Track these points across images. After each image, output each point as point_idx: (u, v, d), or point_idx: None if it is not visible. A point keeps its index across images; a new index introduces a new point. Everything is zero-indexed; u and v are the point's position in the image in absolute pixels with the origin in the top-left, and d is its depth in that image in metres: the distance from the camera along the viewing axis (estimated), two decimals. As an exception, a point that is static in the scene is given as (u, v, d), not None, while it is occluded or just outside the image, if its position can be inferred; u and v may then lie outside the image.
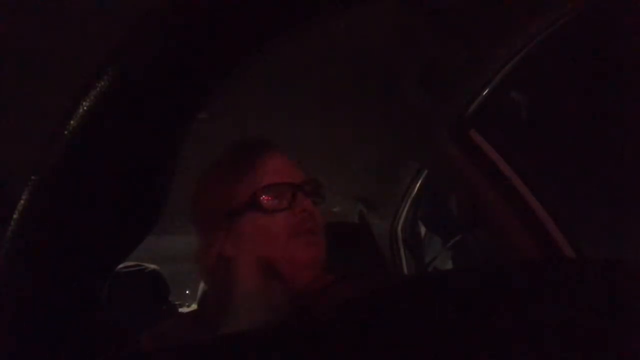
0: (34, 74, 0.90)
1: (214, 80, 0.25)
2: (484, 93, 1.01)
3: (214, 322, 0.65)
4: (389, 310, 0.26)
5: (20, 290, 0.24)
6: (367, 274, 1.07)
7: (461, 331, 0.24)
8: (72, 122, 0.22)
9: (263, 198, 0.66)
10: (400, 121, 1.24)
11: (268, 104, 1.17)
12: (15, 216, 0.23)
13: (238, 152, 0.74)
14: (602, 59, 1.09)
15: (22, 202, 0.23)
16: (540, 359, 0.23)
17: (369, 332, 0.24)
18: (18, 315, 0.25)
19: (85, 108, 0.22)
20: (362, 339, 0.24)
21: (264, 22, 0.24)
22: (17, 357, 0.24)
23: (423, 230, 1.84)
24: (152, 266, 1.66)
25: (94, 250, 0.26)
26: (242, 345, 0.25)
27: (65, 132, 0.22)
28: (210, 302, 0.77)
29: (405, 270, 1.76)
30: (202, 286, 1.74)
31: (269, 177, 0.68)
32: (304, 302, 0.62)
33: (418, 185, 1.52)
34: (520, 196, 0.98)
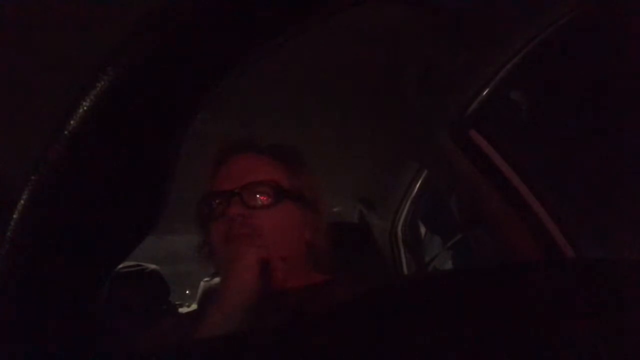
0: (33, 74, 0.90)
1: (214, 80, 0.25)
2: (484, 93, 1.01)
3: None
4: (387, 310, 0.26)
5: (20, 291, 0.24)
6: (365, 274, 1.07)
7: (460, 331, 0.24)
8: (72, 122, 0.22)
9: (206, 207, 0.70)
10: (400, 121, 1.24)
11: (268, 103, 1.17)
12: (15, 216, 0.23)
13: (213, 157, 0.76)
14: (602, 58, 1.09)
15: (22, 202, 0.23)
16: (539, 359, 0.23)
17: (365, 333, 0.24)
18: (18, 316, 0.25)
19: (85, 108, 0.22)
20: (358, 339, 0.24)
21: (265, 21, 0.24)
22: (16, 358, 0.24)
23: (423, 230, 1.84)
24: (152, 266, 1.66)
25: (94, 250, 0.26)
26: (237, 345, 0.25)
27: (65, 132, 0.22)
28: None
29: (405, 270, 1.76)
30: (202, 286, 1.74)
31: (215, 185, 0.71)
32: (293, 302, 0.62)
33: (418, 185, 1.52)
34: (520, 196, 0.98)
